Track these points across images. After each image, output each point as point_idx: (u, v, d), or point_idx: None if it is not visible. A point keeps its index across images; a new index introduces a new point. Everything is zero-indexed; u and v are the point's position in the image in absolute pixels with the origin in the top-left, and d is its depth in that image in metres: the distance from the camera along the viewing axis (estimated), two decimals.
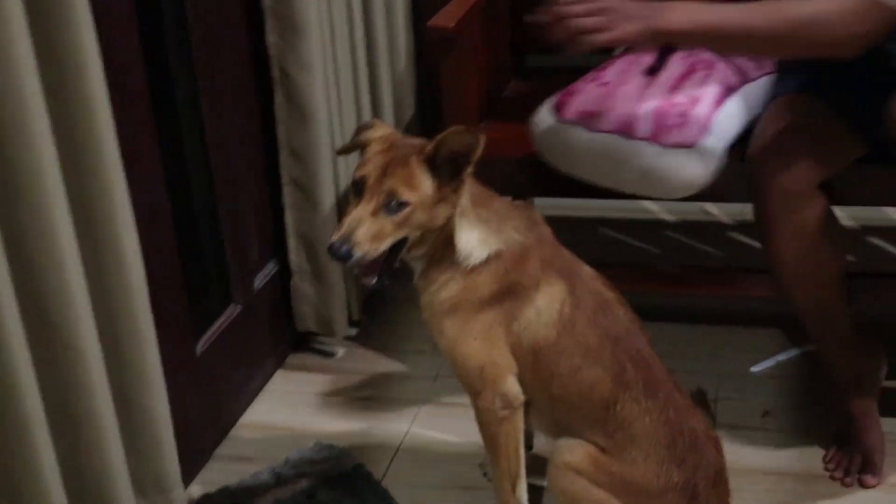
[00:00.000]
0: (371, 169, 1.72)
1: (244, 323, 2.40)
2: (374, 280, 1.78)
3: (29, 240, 1.49)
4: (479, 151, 1.70)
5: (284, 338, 2.60)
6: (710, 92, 2.09)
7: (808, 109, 2.02)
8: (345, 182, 2.53)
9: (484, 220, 1.80)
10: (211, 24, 2.20)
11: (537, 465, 1.98)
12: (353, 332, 2.69)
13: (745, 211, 2.25)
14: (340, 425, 2.38)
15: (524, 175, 2.27)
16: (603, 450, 1.82)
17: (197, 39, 2.18)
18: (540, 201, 3.07)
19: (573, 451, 1.84)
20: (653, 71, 2.15)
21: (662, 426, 1.80)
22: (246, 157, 2.38)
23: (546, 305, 1.83)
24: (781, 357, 2.49)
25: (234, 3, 2.29)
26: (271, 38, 2.31)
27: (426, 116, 2.97)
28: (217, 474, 2.23)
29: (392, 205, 1.69)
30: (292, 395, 2.50)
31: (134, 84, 1.89)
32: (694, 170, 2.04)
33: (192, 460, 2.17)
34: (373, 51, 2.65)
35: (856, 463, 2.10)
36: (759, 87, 2.17)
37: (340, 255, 1.68)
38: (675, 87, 2.11)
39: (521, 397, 1.86)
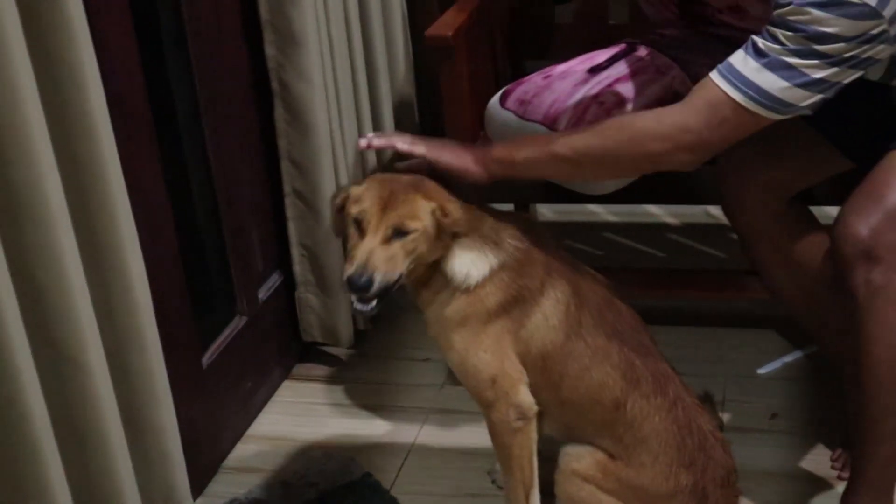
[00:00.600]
0: (369, 204, 1.73)
1: (250, 335, 2.41)
2: (373, 307, 1.78)
3: (33, 256, 1.50)
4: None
5: (290, 348, 2.60)
6: (645, 96, 2.13)
7: (783, 123, 2.00)
8: None
9: (478, 241, 1.81)
10: (210, 38, 2.21)
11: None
12: (360, 341, 2.69)
13: None
14: (348, 434, 2.38)
15: (524, 181, 2.27)
16: (610, 455, 1.82)
17: (196, 53, 2.19)
18: (542, 207, 3.09)
19: (580, 459, 1.85)
20: (596, 69, 2.18)
21: (672, 424, 1.81)
22: (247, 168, 2.39)
23: (552, 308, 1.83)
24: (787, 358, 2.49)
25: (233, 17, 2.30)
26: (270, 50, 2.31)
27: (426, 124, 2.97)
28: (225, 486, 2.23)
29: (399, 234, 1.71)
30: (299, 406, 2.50)
31: (134, 99, 1.89)
32: None
33: (201, 473, 2.18)
34: (371, 61, 2.65)
35: None
36: None
37: (361, 285, 1.69)
38: (611, 85, 2.14)
39: (535, 407, 1.86)
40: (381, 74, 2.69)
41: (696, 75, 2.14)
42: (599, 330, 1.85)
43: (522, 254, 1.83)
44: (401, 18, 2.78)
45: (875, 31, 1.61)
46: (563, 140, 1.81)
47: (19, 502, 1.51)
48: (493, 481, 2.15)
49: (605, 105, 2.10)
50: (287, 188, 2.44)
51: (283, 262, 2.54)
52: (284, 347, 2.58)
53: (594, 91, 2.14)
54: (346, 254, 1.80)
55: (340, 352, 2.65)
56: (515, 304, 1.83)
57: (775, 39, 1.66)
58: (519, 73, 2.61)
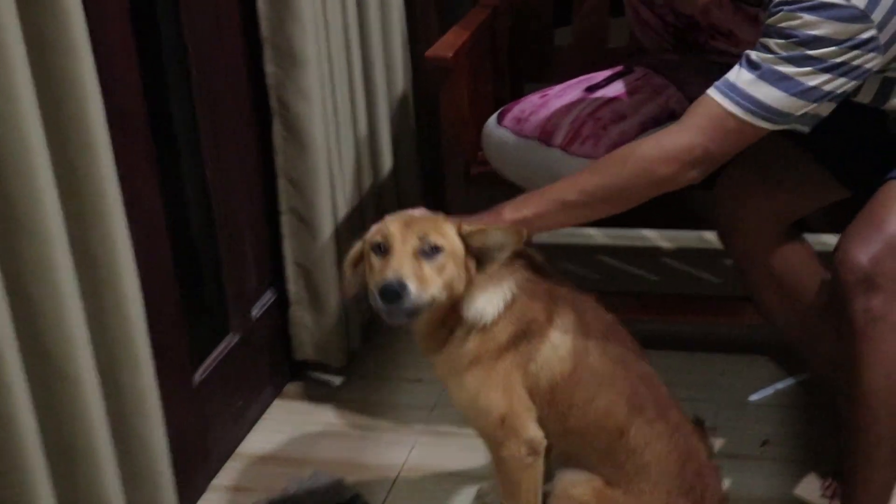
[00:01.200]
0: (393, 228, 1.70)
1: (242, 352, 2.41)
2: (403, 321, 1.73)
3: (28, 269, 1.50)
4: (509, 251, 1.72)
5: (282, 367, 2.61)
6: (641, 114, 2.14)
7: (781, 150, 2.03)
8: (343, 212, 2.54)
9: (489, 279, 1.79)
10: (210, 55, 2.22)
11: None
12: (352, 360, 2.69)
13: None
14: (338, 455, 2.37)
15: None
16: (608, 482, 1.82)
17: (196, 69, 2.20)
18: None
19: (577, 485, 1.84)
20: (593, 88, 2.21)
21: (672, 451, 1.82)
22: (244, 185, 2.39)
23: (560, 338, 1.83)
24: (780, 385, 2.50)
25: (233, 34, 2.31)
26: (270, 68, 2.32)
27: (424, 145, 2.98)
28: None
29: (427, 249, 1.67)
30: (290, 425, 2.49)
31: (134, 114, 1.90)
32: None
33: (190, 490, 2.17)
34: (370, 81, 2.67)
35: None
36: None
37: (395, 290, 1.62)
38: (607, 103, 2.16)
39: (544, 441, 1.84)
40: (379, 95, 2.70)
41: (692, 94, 2.16)
42: (605, 357, 1.85)
43: (529, 286, 1.82)
44: (401, 39, 2.79)
45: (864, 36, 1.64)
46: (568, 187, 1.80)
47: None
48: None
49: (601, 121, 2.12)
50: (283, 206, 2.44)
51: (277, 279, 2.55)
52: (276, 365, 2.58)
53: (591, 108, 2.16)
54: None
55: (333, 371, 2.64)
56: (525, 337, 1.81)
57: (767, 49, 1.69)
58: (518, 94, 2.62)
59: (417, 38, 2.87)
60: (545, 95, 2.26)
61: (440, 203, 2.34)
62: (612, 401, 1.83)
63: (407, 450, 2.37)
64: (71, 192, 1.59)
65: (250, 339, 2.44)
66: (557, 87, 2.29)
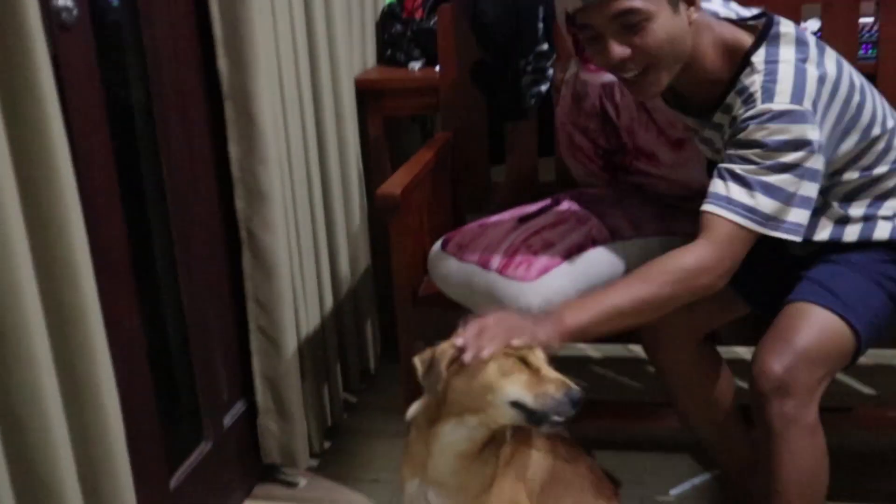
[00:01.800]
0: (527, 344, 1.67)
1: (215, 458, 2.38)
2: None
3: (16, 393, 1.49)
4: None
5: (252, 470, 2.58)
6: (566, 242, 2.15)
7: None
8: (306, 330, 2.55)
9: None
10: (187, 194, 2.25)
11: None
12: (314, 463, 2.68)
13: None
14: None
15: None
16: None
17: (174, 206, 2.22)
18: None
19: None
20: (525, 219, 2.23)
21: None
22: (216, 307, 2.40)
23: (538, 443, 1.85)
24: (696, 481, 2.50)
25: (208, 175, 2.34)
26: (240, 204, 2.35)
27: (378, 269, 3.01)
28: None
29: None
30: None
31: (116, 249, 1.92)
32: (529, 302, 2.06)
33: None
34: (330, 213, 2.70)
35: None
36: (631, 247, 2.23)
37: (580, 399, 1.63)
38: (537, 232, 2.18)
39: None
40: (338, 225, 2.73)
41: (610, 224, 2.21)
42: (570, 452, 1.89)
43: None
44: (357, 176, 2.83)
45: (815, 137, 1.71)
46: (622, 296, 1.75)
47: None
48: None
49: (532, 248, 2.13)
50: (252, 325, 2.45)
51: (246, 391, 2.54)
52: (246, 469, 2.55)
53: (523, 237, 2.17)
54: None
55: (298, 472, 2.61)
56: (518, 451, 1.82)
57: (748, 161, 1.73)
58: (460, 223, 2.66)
59: (373, 174, 2.91)
60: (483, 225, 2.28)
61: (391, 320, 2.36)
62: (582, 489, 1.89)
63: None
64: (57, 320, 1.59)
65: (222, 446, 2.42)
66: (494, 218, 2.31)
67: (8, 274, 1.44)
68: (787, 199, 1.72)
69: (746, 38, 1.85)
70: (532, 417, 1.65)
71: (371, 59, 3.01)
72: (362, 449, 2.75)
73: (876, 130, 1.87)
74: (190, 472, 2.28)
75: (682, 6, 1.77)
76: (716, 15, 1.88)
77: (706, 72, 1.86)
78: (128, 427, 1.80)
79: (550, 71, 2.54)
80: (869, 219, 1.94)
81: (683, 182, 2.32)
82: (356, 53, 2.88)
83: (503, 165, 2.72)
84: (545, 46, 2.51)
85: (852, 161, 1.88)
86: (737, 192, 1.73)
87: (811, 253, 1.98)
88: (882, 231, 1.94)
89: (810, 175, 1.73)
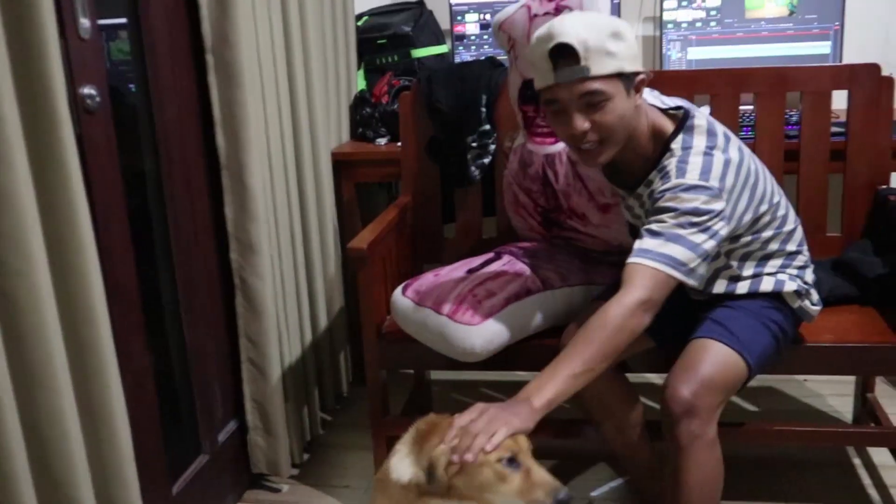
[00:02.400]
0: (523, 444, 1.62)
1: (211, 468, 2.38)
2: None
3: (41, 415, 1.50)
4: None
5: (242, 478, 2.57)
6: (506, 291, 2.16)
7: None
8: (288, 361, 2.55)
9: None
10: (189, 248, 2.26)
11: None
12: (295, 472, 2.67)
13: None
14: None
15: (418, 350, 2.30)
16: None
17: (178, 257, 2.23)
18: (436, 373, 3.10)
19: None
20: (472, 270, 2.24)
21: None
22: (213, 341, 2.40)
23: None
24: (613, 484, 2.51)
25: (207, 231, 2.36)
26: (234, 255, 2.36)
27: (350, 310, 3.02)
28: None
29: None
30: None
31: (128, 291, 1.93)
32: (470, 344, 2.08)
33: None
34: (310, 262, 2.71)
35: None
36: (560, 295, 2.24)
37: (567, 500, 1.56)
38: (482, 283, 2.18)
39: None
40: (317, 272, 2.74)
41: (543, 276, 2.22)
42: None
43: None
44: (332, 232, 2.84)
45: (718, 208, 1.76)
46: (572, 362, 1.70)
47: None
48: None
49: (477, 297, 2.13)
50: (243, 356, 2.45)
51: (238, 412, 2.54)
52: (237, 478, 2.54)
53: (470, 287, 2.17)
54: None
55: (281, 480, 2.61)
56: None
57: (663, 222, 1.76)
58: (418, 272, 2.67)
59: (345, 230, 2.93)
60: (437, 274, 2.28)
61: (361, 351, 2.35)
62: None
63: None
64: (76, 353, 1.60)
65: (217, 458, 2.41)
66: (447, 268, 2.32)
67: (35, 315, 1.45)
68: (694, 249, 1.75)
69: (669, 126, 1.89)
70: None
71: (345, 136, 3.03)
72: (336, 460, 2.74)
73: (764, 206, 1.92)
74: (190, 480, 2.27)
75: (633, 91, 1.80)
76: (645, 101, 1.91)
77: (639, 149, 1.89)
78: (136, 442, 1.80)
79: (492, 146, 2.56)
80: (757, 276, 1.99)
81: (607, 239, 2.35)
82: (333, 131, 2.91)
83: (454, 223, 2.74)
84: (487, 126, 2.55)
85: (749, 228, 1.93)
86: (653, 245, 1.75)
87: (708, 300, 2.03)
88: (766, 285, 1.99)
89: (714, 235, 1.77)
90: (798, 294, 2.02)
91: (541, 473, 1.59)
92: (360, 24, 3.14)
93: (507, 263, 2.27)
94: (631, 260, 1.77)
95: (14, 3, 1.42)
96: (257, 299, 2.38)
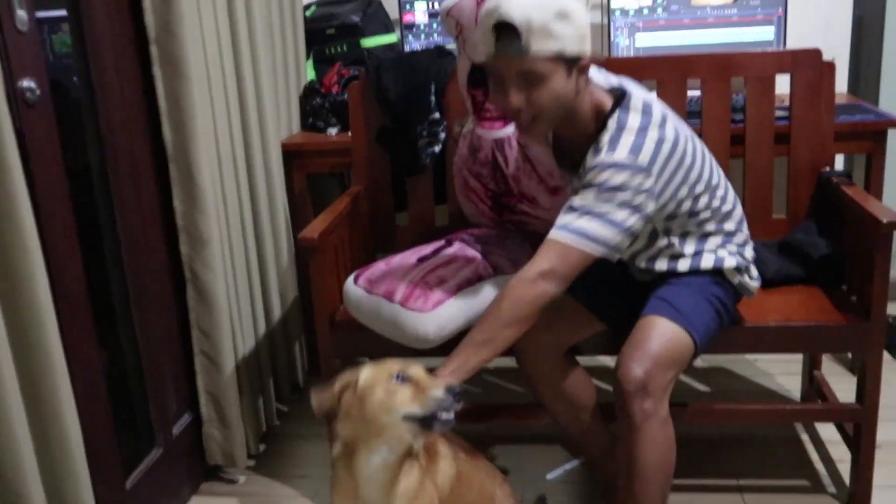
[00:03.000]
0: (413, 371, 1.68)
1: (165, 462, 2.37)
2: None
3: None
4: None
5: (197, 470, 2.56)
6: (458, 278, 2.16)
7: (559, 300, 2.01)
8: (242, 353, 2.54)
9: None
10: (138, 241, 2.24)
11: None
12: (251, 463, 2.66)
13: None
14: None
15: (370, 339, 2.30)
16: None
17: (127, 252, 2.21)
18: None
19: None
20: (423, 259, 2.24)
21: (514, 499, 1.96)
22: (165, 334, 2.39)
23: (444, 450, 1.84)
24: (568, 466, 2.54)
25: (155, 224, 2.34)
26: (183, 248, 2.35)
27: (304, 299, 3.01)
28: None
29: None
30: None
31: (76, 287, 1.90)
32: (423, 330, 2.08)
33: None
34: (262, 254, 2.70)
35: None
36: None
37: (460, 391, 1.64)
38: (433, 270, 2.18)
39: None
40: (269, 264, 2.73)
41: (494, 262, 2.23)
42: (467, 449, 1.91)
43: None
44: (284, 223, 2.84)
45: (646, 185, 1.78)
46: (475, 331, 1.80)
47: None
48: None
49: (429, 284, 2.14)
50: (196, 349, 2.44)
51: (192, 404, 2.52)
52: (193, 470, 2.53)
53: (421, 274, 2.18)
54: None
55: (237, 471, 2.60)
56: (431, 459, 1.80)
57: (584, 198, 1.78)
58: (370, 260, 2.66)
59: (297, 221, 2.92)
60: (388, 263, 2.28)
61: (316, 343, 2.34)
62: (482, 479, 1.89)
63: None
64: (22, 350, 1.59)
65: (172, 451, 2.40)
66: (398, 256, 2.31)
67: None
68: (614, 225, 1.77)
69: (609, 104, 1.89)
70: (424, 423, 1.63)
71: (296, 126, 3.02)
72: (292, 450, 2.74)
73: (700, 187, 1.94)
74: (144, 474, 2.26)
75: (575, 73, 1.80)
76: (591, 80, 1.91)
77: (582, 127, 1.90)
78: (87, 438, 1.79)
79: (442, 134, 2.56)
80: (698, 253, 2.02)
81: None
82: (282, 122, 2.89)
83: (406, 212, 2.74)
84: (437, 115, 2.54)
85: (685, 208, 1.95)
86: (569, 219, 1.78)
87: (653, 279, 2.05)
88: (707, 261, 2.02)
89: (638, 211, 1.79)
90: (738, 270, 2.05)
91: (430, 380, 1.65)
92: (308, 13, 3.12)
93: (458, 250, 2.28)
94: (548, 235, 1.80)
95: None
96: (209, 292, 2.37)
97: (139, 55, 2.24)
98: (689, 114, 2.61)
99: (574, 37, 1.75)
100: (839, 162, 3.27)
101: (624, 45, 3.08)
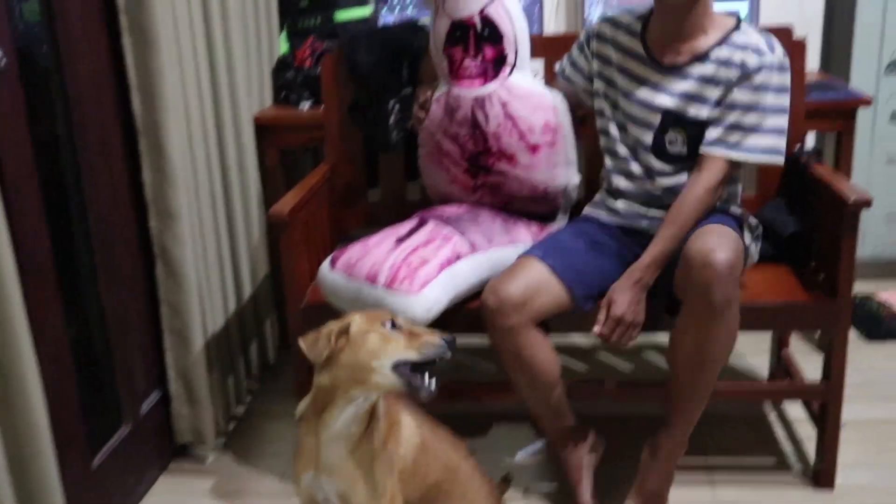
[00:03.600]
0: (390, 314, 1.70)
1: (133, 440, 2.34)
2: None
3: None
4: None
5: (166, 449, 2.54)
6: (439, 257, 2.15)
7: (530, 269, 2.08)
8: (211, 330, 2.52)
9: None
10: (106, 214, 2.21)
11: None
12: (221, 441, 2.65)
13: None
14: None
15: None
16: None
17: (95, 225, 2.18)
18: None
19: None
20: (401, 240, 2.22)
21: (481, 474, 1.98)
22: (134, 310, 2.36)
23: (407, 421, 1.84)
24: (537, 446, 2.54)
25: (124, 198, 2.30)
26: (153, 222, 2.32)
27: (276, 278, 2.99)
28: None
29: None
30: (174, 496, 2.42)
31: (41, 259, 1.87)
32: (412, 312, 2.06)
33: None
34: (233, 230, 2.68)
35: None
36: (487, 256, 2.24)
37: (453, 339, 1.64)
38: (414, 250, 2.16)
39: None
40: (240, 240, 2.71)
41: (471, 238, 2.22)
42: (432, 426, 1.90)
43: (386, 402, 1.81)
44: (256, 198, 2.81)
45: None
46: (672, 228, 2.06)
47: None
48: None
49: (412, 265, 2.12)
50: (165, 325, 2.41)
51: (161, 382, 2.50)
52: (162, 448, 2.51)
53: (403, 256, 2.15)
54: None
55: (207, 448, 2.57)
56: (393, 428, 1.79)
57: (751, 105, 2.07)
58: (344, 238, 2.65)
59: (269, 197, 2.89)
60: (366, 245, 2.24)
61: (285, 324, 2.33)
62: (446, 450, 1.89)
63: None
64: None
65: (140, 429, 2.38)
66: (374, 238, 2.27)
67: None
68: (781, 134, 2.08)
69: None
70: (417, 372, 1.62)
71: (268, 100, 2.99)
72: (262, 429, 2.73)
73: None
74: (111, 452, 2.24)
75: None
76: None
77: (701, 20, 2.09)
78: (53, 414, 1.77)
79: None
80: (727, 199, 2.24)
81: (534, 182, 2.36)
82: (255, 96, 2.86)
83: (378, 188, 2.73)
84: (409, 90, 2.53)
85: None
86: (737, 137, 2.08)
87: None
88: (735, 210, 2.22)
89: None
90: (752, 230, 2.22)
91: (421, 329, 1.67)
92: None
93: (434, 229, 2.27)
94: (719, 153, 2.09)
95: None
96: (178, 267, 2.34)
97: (109, 25, 2.20)
98: None
99: None
100: (810, 140, 3.29)
101: (599, 15, 3.07)
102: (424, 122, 2.39)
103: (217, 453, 2.60)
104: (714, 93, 2.08)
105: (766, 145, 2.06)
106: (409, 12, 3.14)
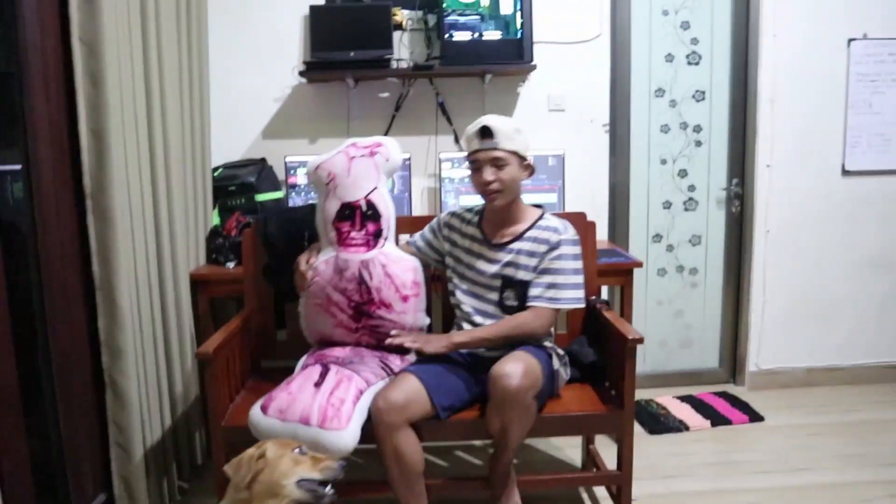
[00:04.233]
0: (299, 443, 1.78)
1: None
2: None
3: None
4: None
5: None
6: (350, 396, 2.15)
7: (409, 382, 2.17)
8: (150, 442, 2.47)
9: None
10: (66, 352, 2.18)
11: None
12: None
13: None
14: None
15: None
16: None
17: (56, 363, 2.14)
18: None
19: None
20: (317, 385, 2.19)
21: None
22: (85, 429, 2.31)
23: None
24: None
25: (82, 340, 2.28)
26: (104, 358, 2.29)
27: (205, 396, 2.94)
28: None
29: None
30: None
31: (8, 395, 1.83)
32: (344, 443, 2.06)
33: None
34: (170, 362, 2.65)
35: None
36: (376, 387, 2.22)
37: (346, 464, 1.79)
38: (332, 393, 2.15)
39: None
40: (175, 369, 2.68)
41: (365, 377, 2.23)
42: None
43: None
44: (189, 337, 2.81)
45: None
46: (488, 332, 2.24)
47: None
48: None
49: (334, 405, 2.09)
50: (112, 441, 2.36)
51: (107, 486, 2.41)
52: None
53: (324, 397, 2.12)
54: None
55: None
56: None
57: (559, 271, 2.30)
58: (256, 369, 2.63)
59: (202, 336, 2.87)
60: (290, 392, 2.16)
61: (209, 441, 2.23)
62: None
63: None
64: None
65: None
66: (294, 384, 2.18)
67: None
68: (580, 287, 2.29)
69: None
70: (319, 486, 1.71)
71: (202, 260, 3.02)
72: None
73: None
74: None
75: (523, 167, 2.28)
76: None
77: (517, 212, 2.33)
78: None
79: None
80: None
81: (404, 324, 2.42)
82: (192, 256, 2.90)
83: (285, 329, 2.75)
84: None
85: None
86: (552, 293, 2.27)
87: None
88: (545, 342, 2.39)
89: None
90: (560, 357, 2.39)
91: (321, 456, 1.78)
92: (216, 174, 3.17)
93: (339, 373, 2.25)
94: (536, 304, 2.28)
95: None
96: (124, 394, 2.32)
97: (77, 205, 2.25)
98: None
99: (524, 144, 2.25)
100: (604, 292, 3.49)
101: (451, 203, 3.26)
102: (312, 285, 2.41)
103: None
104: (531, 261, 2.27)
105: (572, 297, 2.26)
106: (313, 195, 3.25)
